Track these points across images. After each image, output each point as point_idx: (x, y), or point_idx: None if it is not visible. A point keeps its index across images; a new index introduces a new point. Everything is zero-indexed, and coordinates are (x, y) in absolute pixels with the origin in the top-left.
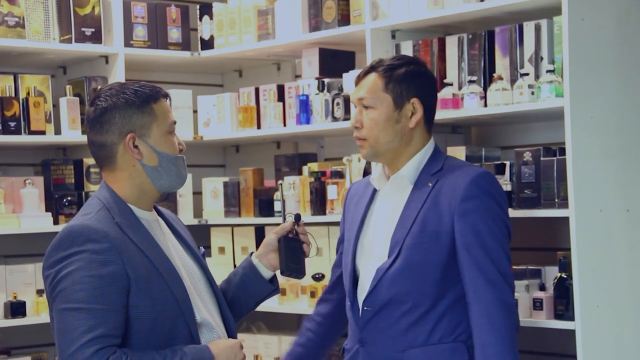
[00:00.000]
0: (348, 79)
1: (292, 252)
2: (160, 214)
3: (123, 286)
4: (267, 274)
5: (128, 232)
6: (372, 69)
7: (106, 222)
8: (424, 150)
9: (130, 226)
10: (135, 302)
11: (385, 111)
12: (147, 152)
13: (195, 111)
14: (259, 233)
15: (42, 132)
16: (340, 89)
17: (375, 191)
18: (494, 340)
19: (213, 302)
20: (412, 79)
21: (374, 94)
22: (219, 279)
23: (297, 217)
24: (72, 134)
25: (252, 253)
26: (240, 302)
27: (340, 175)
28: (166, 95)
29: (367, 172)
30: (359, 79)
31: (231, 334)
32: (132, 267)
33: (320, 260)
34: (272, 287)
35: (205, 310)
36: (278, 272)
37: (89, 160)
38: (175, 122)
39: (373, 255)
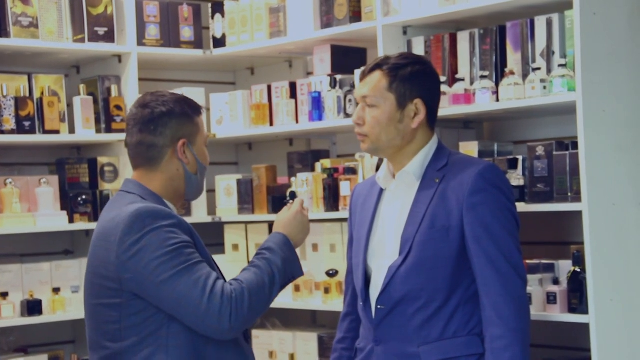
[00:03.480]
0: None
1: None
2: None
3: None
4: None
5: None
6: (377, 66)
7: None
8: (428, 147)
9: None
10: None
11: (388, 110)
12: (192, 159)
13: (207, 109)
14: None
15: (57, 132)
16: (352, 86)
17: (381, 191)
18: (502, 332)
19: None
20: (417, 79)
21: (377, 92)
22: (232, 276)
23: (292, 195)
24: (86, 133)
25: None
26: None
27: (353, 171)
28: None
29: (379, 169)
30: (363, 76)
31: (245, 332)
32: (196, 240)
33: (333, 256)
34: None
35: None
36: None
37: (103, 159)
38: (208, 136)
39: (384, 254)
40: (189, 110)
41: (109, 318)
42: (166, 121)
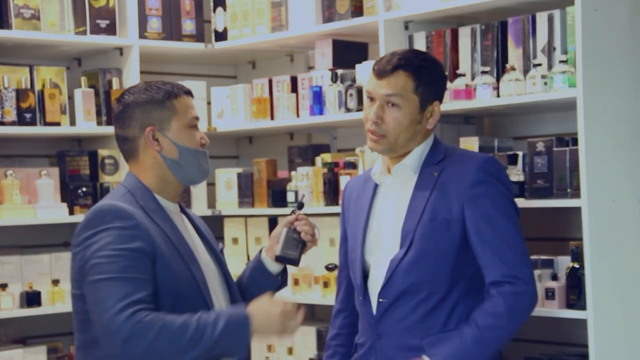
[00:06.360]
0: (361, 70)
1: (291, 241)
2: (182, 210)
3: (151, 260)
4: (273, 267)
5: (151, 214)
6: (400, 66)
7: (131, 204)
8: (426, 142)
9: (154, 210)
10: (160, 278)
11: (411, 112)
12: (167, 144)
13: (209, 103)
14: (272, 224)
15: (58, 124)
16: (354, 80)
17: (376, 186)
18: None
19: (226, 298)
20: (437, 81)
21: (403, 93)
22: (232, 269)
23: (299, 205)
24: (87, 125)
25: (262, 248)
26: (252, 295)
27: (353, 166)
28: (188, 92)
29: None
30: (383, 74)
31: None
32: (156, 245)
33: (333, 250)
34: (279, 282)
35: (218, 306)
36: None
37: (104, 152)
38: (197, 118)
39: (383, 248)
40: (158, 95)
41: (77, 309)
42: (131, 112)
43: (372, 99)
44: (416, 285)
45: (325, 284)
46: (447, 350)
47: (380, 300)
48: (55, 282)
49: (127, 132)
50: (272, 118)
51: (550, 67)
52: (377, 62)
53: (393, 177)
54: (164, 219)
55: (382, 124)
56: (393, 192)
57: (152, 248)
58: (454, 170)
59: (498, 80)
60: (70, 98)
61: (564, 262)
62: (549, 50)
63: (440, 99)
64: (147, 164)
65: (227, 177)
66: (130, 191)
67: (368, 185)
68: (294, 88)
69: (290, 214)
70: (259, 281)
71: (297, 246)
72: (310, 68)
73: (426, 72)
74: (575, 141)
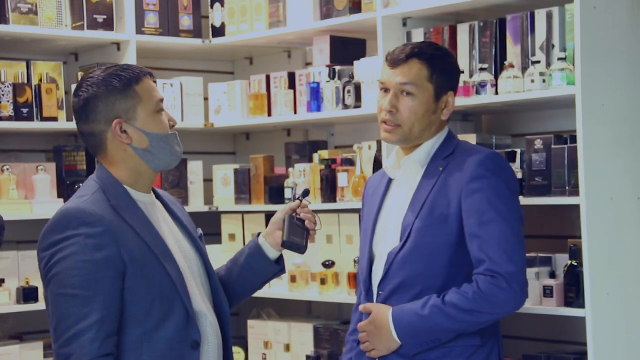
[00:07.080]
0: (359, 66)
1: (296, 228)
2: (158, 196)
3: (118, 270)
4: (272, 254)
5: (123, 214)
6: (413, 55)
7: (101, 205)
8: (438, 136)
9: (126, 208)
10: (131, 285)
11: (426, 101)
12: (137, 135)
13: (206, 99)
14: (270, 220)
15: (55, 119)
16: (351, 77)
17: (390, 181)
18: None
19: (206, 287)
20: (451, 71)
21: (418, 81)
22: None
23: (305, 193)
24: None
25: (259, 233)
26: (246, 282)
27: (350, 162)
28: (149, 74)
29: (377, 160)
30: (398, 64)
31: (223, 320)
32: (127, 250)
33: (330, 247)
34: (277, 268)
35: (198, 294)
36: (285, 252)
37: None
38: (162, 100)
39: (386, 241)
40: (119, 84)
41: (48, 311)
42: (93, 106)
43: (385, 90)
44: (411, 279)
45: (323, 281)
46: (407, 308)
47: (380, 292)
48: None
49: (93, 127)
50: (269, 114)
51: (548, 64)
52: (391, 53)
53: (402, 170)
54: (137, 216)
55: (396, 113)
56: (402, 186)
57: (120, 256)
58: (457, 166)
59: (496, 77)
60: (68, 93)
61: (563, 260)
62: (548, 47)
63: (454, 90)
64: (118, 158)
65: (224, 174)
66: (101, 188)
67: (384, 180)
68: (292, 84)
69: (294, 201)
70: (256, 268)
71: (302, 233)
72: (308, 64)
73: (440, 62)
74: (573, 139)
